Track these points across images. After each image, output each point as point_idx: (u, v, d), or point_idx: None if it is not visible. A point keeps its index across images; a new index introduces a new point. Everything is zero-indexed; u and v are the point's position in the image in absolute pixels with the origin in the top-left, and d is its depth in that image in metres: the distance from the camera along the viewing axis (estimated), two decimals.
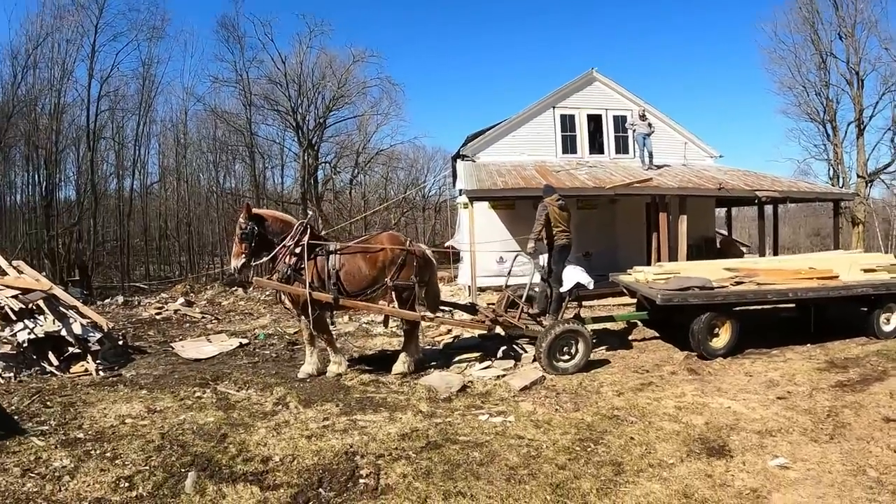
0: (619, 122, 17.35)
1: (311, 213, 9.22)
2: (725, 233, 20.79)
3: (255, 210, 7.58)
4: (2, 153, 25.79)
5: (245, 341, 10.13)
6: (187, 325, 12.20)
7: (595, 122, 17.52)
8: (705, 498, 3.98)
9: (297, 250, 7.33)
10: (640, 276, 9.73)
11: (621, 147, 17.53)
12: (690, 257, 12.95)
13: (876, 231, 26.52)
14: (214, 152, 31.94)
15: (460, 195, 16.68)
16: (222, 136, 31.31)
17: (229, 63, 30.24)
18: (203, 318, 13.27)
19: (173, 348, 9.45)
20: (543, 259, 8.54)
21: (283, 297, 7.82)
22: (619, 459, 4.71)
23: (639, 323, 10.27)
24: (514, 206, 15.11)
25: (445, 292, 14.16)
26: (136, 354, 9.08)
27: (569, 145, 17.45)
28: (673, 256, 12.99)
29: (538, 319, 8.36)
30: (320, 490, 4.31)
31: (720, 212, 21.28)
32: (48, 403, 6.50)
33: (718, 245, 17.65)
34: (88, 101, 26.85)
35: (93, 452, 4.99)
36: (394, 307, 7.75)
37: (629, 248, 15.51)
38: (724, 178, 15.15)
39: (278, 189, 33.62)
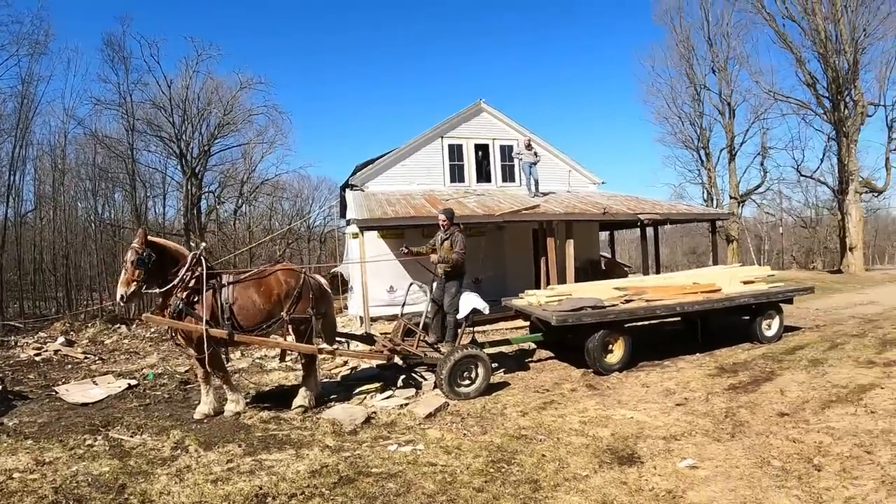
0: (506, 151, 17.87)
1: (202, 244, 8.34)
2: (609, 255, 21.82)
3: (150, 237, 7.02)
4: None
5: (134, 382, 9.27)
6: (69, 366, 11.09)
7: (482, 151, 17.94)
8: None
9: (192, 283, 6.88)
10: (532, 299, 9.87)
11: (508, 175, 18.03)
12: (578, 279, 13.37)
13: (748, 246, 28.93)
14: (94, 180, 29.56)
15: (348, 225, 16.42)
16: (102, 162, 29.16)
17: (113, 85, 28.40)
18: (86, 358, 12.12)
19: (57, 392, 8.51)
20: (427, 288, 8.47)
21: (175, 333, 7.23)
22: (534, 477, 4.66)
23: (533, 345, 10.40)
24: (404, 234, 15.00)
25: (338, 323, 13.81)
26: (17, 400, 8.16)
27: (457, 174, 17.71)
28: (562, 279, 13.37)
29: (435, 346, 8.25)
30: None
31: (603, 235, 22.34)
32: None
33: (603, 267, 18.45)
34: None
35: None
36: (290, 341, 7.45)
37: (518, 274, 15.87)
38: (608, 202, 15.90)
39: (160, 220, 31.79)
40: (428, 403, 7.15)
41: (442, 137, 17.55)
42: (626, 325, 8.82)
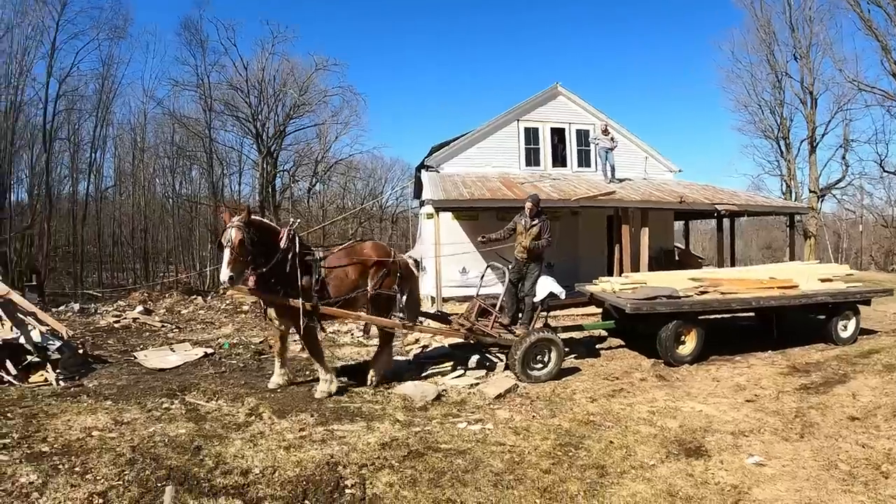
0: (582, 135, 17.73)
1: (296, 220, 8.46)
2: (683, 246, 21.38)
3: (253, 218, 6.88)
4: None
5: (210, 351, 9.78)
6: (147, 333, 11.80)
7: (558, 135, 17.86)
8: (689, 495, 4.12)
9: (289, 258, 6.84)
10: (606, 285, 9.93)
11: (584, 160, 17.90)
12: (651, 269, 13.27)
13: (826, 244, 27.63)
14: (172, 157, 31.24)
15: (423, 205, 16.73)
16: (180, 141, 30.70)
17: (190, 67, 29.74)
18: (163, 326, 12.85)
19: (136, 357, 9.09)
20: (506, 270, 8.56)
21: (265, 307, 7.17)
22: (601, 462, 4.81)
23: (604, 332, 10.43)
24: (478, 217, 15.21)
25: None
26: (97, 364, 8.65)
27: (532, 158, 17.72)
28: (635, 267, 13.29)
29: (510, 328, 8.41)
30: (306, 502, 4.21)
31: (678, 225, 21.88)
32: (8, 415, 6.15)
33: (677, 257, 18.13)
34: (46, 99, 25.89)
35: (61, 467, 4.71)
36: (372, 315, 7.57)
37: (591, 260, 15.81)
38: (685, 191, 15.60)
39: (235, 196, 32.83)
40: (498, 384, 7.34)
41: (518, 120, 17.58)
42: (700, 317, 8.74)
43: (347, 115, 33.18)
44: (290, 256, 6.81)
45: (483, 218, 15.01)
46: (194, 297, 18.51)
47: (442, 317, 9.11)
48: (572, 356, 8.96)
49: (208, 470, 4.73)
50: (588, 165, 17.80)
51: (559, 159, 17.85)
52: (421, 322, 8.72)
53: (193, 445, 5.25)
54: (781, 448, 4.98)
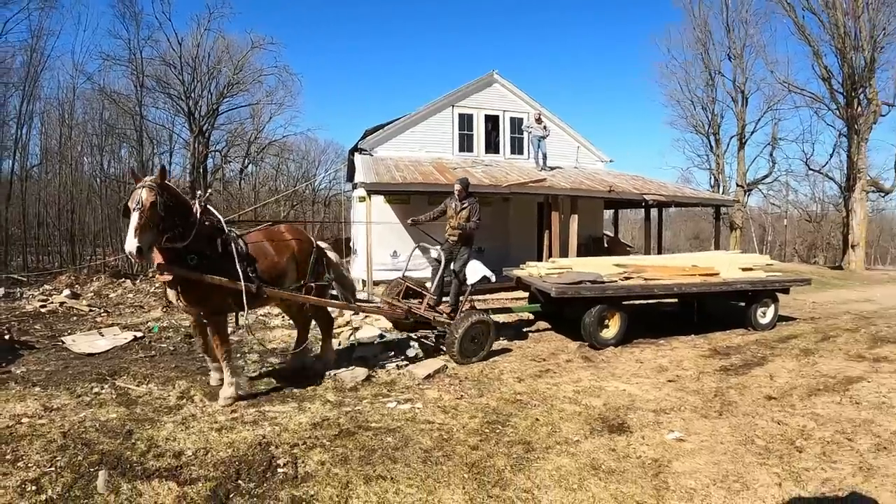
0: (516, 123, 17.89)
1: (205, 192, 7.48)
2: (612, 234, 21.95)
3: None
4: None
5: (139, 334, 9.39)
6: (75, 318, 11.19)
7: (492, 122, 17.97)
8: (612, 468, 4.21)
9: (207, 234, 5.83)
10: (533, 270, 10.03)
11: (517, 148, 18.07)
12: (580, 255, 13.56)
13: (752, 235, 29.04)
14: (101, 135, 29.58)
15: (355, 188, 16.53)
16: (110, 118, 29.11)
17: (123, 41, 28.15)
18: (91, 311, 12.25)
19: (64, 343, 8.61)
20: (436, 252, 8.49)
21: (179, 294, 5.82)
22: (527, 439, 4.87)
23: (531, 315, 10.61)
24: (410, 200, 15.16)
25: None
26: (24, 350, 8.24)
27: (466, 144, 17.76)
28: (564, 253, 13.54)
29: (436, 310, 8.33)
30: (239, 482, 4.17)
31: (608, 214, 22.46)
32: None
33: (606, 244, 18.62)
34: None
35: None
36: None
37: (521, 245, 15.99)
38: (615, 181, 16.00)
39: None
40: (427, 365, 7.33)
41: (453, 106, 17.56)
42: (624, 302, 8.97)
43: (282, 96, 32.63)
44: (213, 231, 5.84)
45: (415, 202, 14.94)
46: (123, 280, 17.71)
47: (370, 302, 9.00)
48: (502, 339, 9.01)
49: (141, 453, 4.63)
50: (521, 153, 17.99)
51: (492, 146, 17.96)
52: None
53: (125, 430, 5.12)
54: (701, 425, 5.15)
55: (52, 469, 4.32)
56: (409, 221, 8.65)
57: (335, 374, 6.91)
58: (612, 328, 8.77)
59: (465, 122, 17.68)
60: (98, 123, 29.38)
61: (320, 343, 7.63)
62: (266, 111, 32.80)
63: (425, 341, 8.43)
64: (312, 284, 6.80)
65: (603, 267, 9.86)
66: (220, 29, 31.41)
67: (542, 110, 17.43)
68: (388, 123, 17.69)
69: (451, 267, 8.39)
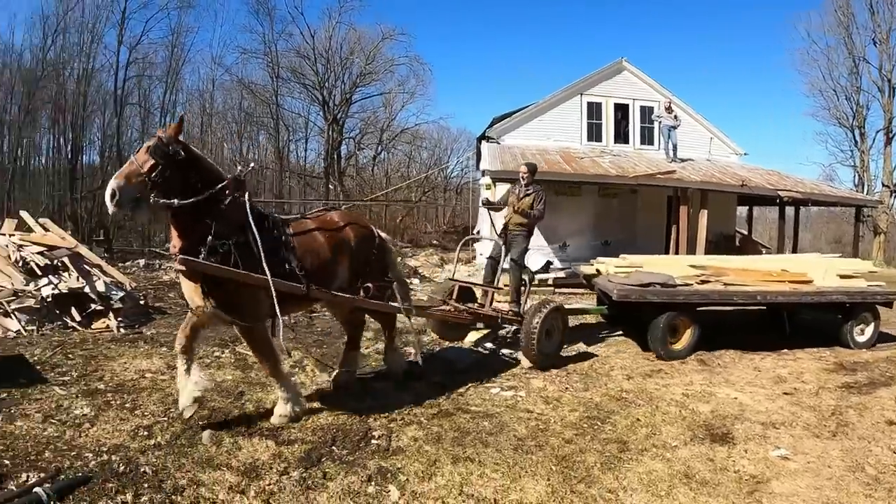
0: (646, 112, 17.34)
1: (248, 164, 5.80)
2: (746, 232, 20.72)
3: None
4: (29, 116, 26.17)
5: None
6: None
7: (622, 111, 17.52)
8: (706, 479, 4.11)
9: (234, 214, 4.57)
10: (602, 267, 9.31)
11: (646, 138, 17.52)
12: (709, 252, 12.95)
13: None
14: (239, 123, 32.20)
15: (483, 176, 16.79)
16: (248, 107, 31.52)
17: (258, 35, 30.54)
18: None
19: None
20: (490, 244, 7.93)
21: (202, 290, 4.52)
22: (624, 438, 4.86)
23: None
24: None
25: (464, 272, 14.28)
26: (157, 314, 9.24)
27: (594, 133, 17.48)
28: (691, 250, 13.05)
29: (496, 307, 7.53)
30: (333, 448, 4.46)
31: (742, 210, 21.22)
32: (70, 356, 6.65)
33: (738, 243, 17.62)
34: (117, 67, 27.17)
35: (113, 402, 5.16)
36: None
37: (649, 239, 15.55)
38: (748, 175, 15.09)
39: (301, 162, 33.97)
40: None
41: (581, 94, 17.32)
42: (699, 309, 8.01)
43: (414, 85, 33.18)
44: (233, 212, 4.55)
45: None
46: None
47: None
48: (618, 334, 8.90)
49: (247, 413, 5.10)
50: (650, 143, 17.44)
51: (621, 136, 17.53)
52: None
53: (237, 391, 5.67)
54: (810, 444, 4.85)
55: (165, 419, 4.82)
56: (481, 202, 8.33)
57: (446, 357, 7.22)
58: (684, 339, 7.83)
59: (594, 110, 17.38)
60: (237, 112, 31.96)
61: (384, 351, 6.60)
62: (398, 100, 33.50)
63: (483, 350, 7.94)
64: (369, 284, 5.60)
65: (678, 268, 8.87)
66: (350, 21, 32.43)
67: (673, 98, 16.75)
68: (515, 112, 17.80)
69: (510, 256, 7.76)
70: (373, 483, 3.95)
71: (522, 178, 7.94)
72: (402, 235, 32.46)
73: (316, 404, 5.38)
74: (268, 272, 4.48)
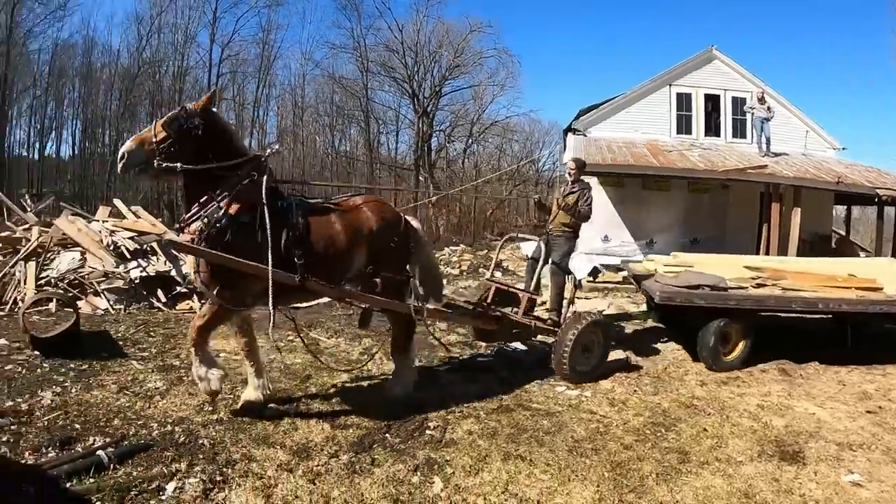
0: (738, 103, 16.49)
1: (275, 147, 5.94)
2: (843, 232, 19.37)
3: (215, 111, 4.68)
4: (127, 111, 28.06)
5: None
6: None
7: (712, 102, 16.74)
8: (767, 501, 3.93)
9: (247, 194, 4.50)
10: (650, 265, 8.59)
11: (738, 131, 16.67)
12: (803, 254, 12.18)
13: None
14: (331, 116, 33.29)
15: (545, 168, 16.59)
16: (339, 100, 32.51)
17: (346, 30, 31.75)
18: None
19: None
20: (531, 245, 7.28)
21: (198, 267, 4.55)
22: (686, 448, 4.70)
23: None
24: (623, 183, 14.95)
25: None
26: None
27: (683, 125, 16.83)
28: (783, 250, 12.34)
29: (535, 315, 7.01)
30: (387, 435, 4.64)
31: (840, 210, 19.90)
32: (151, 334, 7.21)
33: (834, 244, 16.50)
34: (210, 64, 29.29)
35: (184, 378, 5.53)
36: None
37: (740, 238, 14.74)
38: (845, 171, 14.07)
39: (392, 154, 35.07)
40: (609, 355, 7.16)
41: (670, 85, 16.70)
42: (755, 316, 7.27)
43: (503, 77, 33.63)
44: (246, 192, 4.50)
45: (628, 185, 14.85)
46: None
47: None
48: None
49: (310, 396, 5.38)
50: (742, 136, 16.56)
51: (712, 128, 16.76)
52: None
53: (304, 374, 5.96)
54: (888, 471, 4.48)
55: (231, 396, 5.11)
56: (532, 198, 7.96)
57: (514, 349, 7.32)
58: (737, 349, 7.14)
59: (683, 101, 16.71)
60: (328, 105, 33.19)
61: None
62: (488, 92, 33.84)
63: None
64: (383, 276, 5.17)
65: (732, 268, 8.12)
66: (438, 15, 33.34)
67: (766, 89, 15.83)
68: (602, 103, 17.42)
69: (551, 259, 7.21)
70: (418, 473, 4.04)
71: (569, 173, 7.54)
72: (493, 229, 32.74)
73: (378, 392, 5.60)
74: (270, 261, 4.35)
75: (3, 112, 26.31)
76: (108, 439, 4.20)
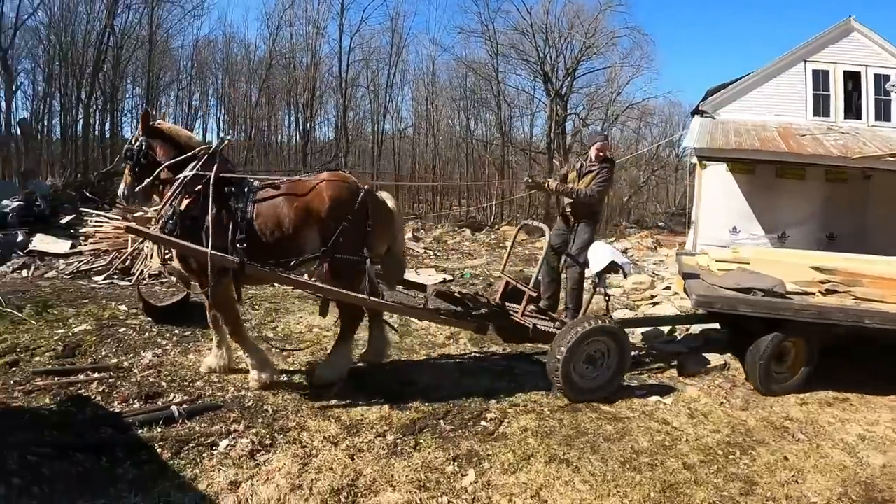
0: (881, 81, 14.54)
1: (225, 137, 6.82)
2: None
3: (157, 123, 5.26)
4: (266, 98, 30.03)
5: (450, 278, 10.83)
6: (408, 258, 12.99)
7: (853, 80, 14.85)
8: None
9: (197, 188, 4.87)
10: (703, 260, 7.42)
11: (882, 113, 14.69)
12: None
13: None
14: (465, 100, 33.61)
15: (685, 152, 15.65)
16: (472, 84, 32.80)
17: (474, 14, 32.09)
18: (424, 252, 14.31)
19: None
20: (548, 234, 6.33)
21: (168, 255, 5.16)
22: (755, 479, 4.23)
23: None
24: (755, 170, 13.76)
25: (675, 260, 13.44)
26: None
27: (821, 107, 15.13)
28: None
29: (551, 315, 6.41)
30: (441, 421, 4.70)
31: None
32: (256, 307, 7.71)
33: None
34: (340, 53, 30.35)
35: (272, 350, 5.91)
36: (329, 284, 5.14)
37: (883, 234, 13.09)
38: None
39: (526, 138, 35.27)
40: (701, 361, 6.69)
41: (805, 62, 15.01)
42: (818, 330, 5.82)
43: (638, 58, 32.85)
44: (195, 185, 4.89)
45: (760, 172, 13.67)
46: (463, 228, 20.03)
47: (448, 294, 6.51)
48: None
49: (382, 374, 5.63)
50: (888, 119, 14.59)
51: (853, 110, 14.91)
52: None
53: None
54: None
55: (307, 368, 5.60)
56: (525, 179, 6.84)
57: None
58: (793, 368, 5.96)
59: (820, 80, 14.99)
60: (461, 90, 33.89)
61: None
62: (624, 74, 33.08)
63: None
64: (335, 258, 5.04)
65: (797, 268, 6.63)
66: None
67: None
68: (731, 83, 16.06)
69: (568, 250, 6.47)
70: (455, 463, 4.07)
71: (594, 152, 6.59)
72: (629, 215, 31.71)
73: (454, 376, 5.72)
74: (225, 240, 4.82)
75: (151, 102, 29.03)
76: (186, 397, 4.77)
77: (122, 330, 6.35)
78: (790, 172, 13.87)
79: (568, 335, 5.23)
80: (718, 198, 13.31)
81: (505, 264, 7.14)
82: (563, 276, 6.72)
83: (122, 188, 5.32)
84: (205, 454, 3.90)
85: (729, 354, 6.87)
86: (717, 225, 13.08)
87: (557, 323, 6.02)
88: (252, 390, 5.05)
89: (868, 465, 4.59)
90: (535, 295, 6.09)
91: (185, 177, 4.88)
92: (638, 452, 4.43)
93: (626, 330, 5.80)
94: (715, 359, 6.70)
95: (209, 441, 4.06)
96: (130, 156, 5.10)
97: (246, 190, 4.97)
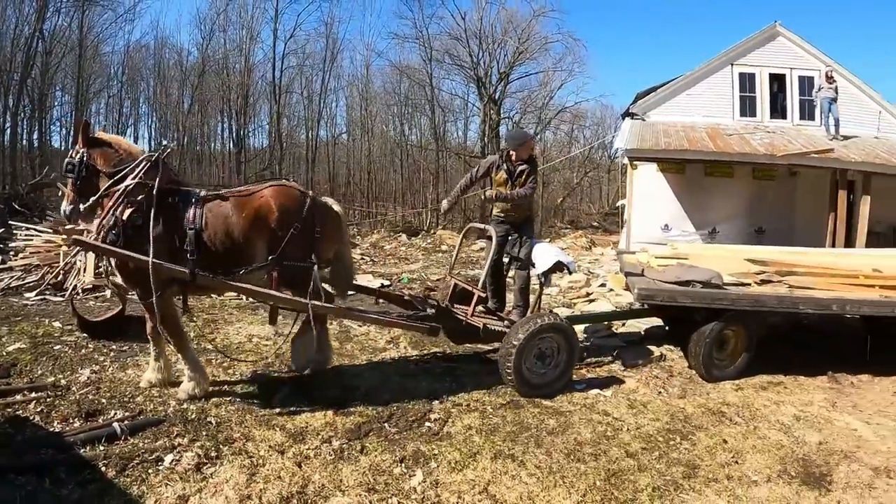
0: (805, 83, 15.28)
1: (168, 144, 6.57)
2: None
3: (97, 134, 5.03)
4: (199, 105, 29.22)
5: (387, 283, 10.60)
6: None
7: (778, 82, 15.60)
8: None
9: (139, 197, 4.68)
10: (643, 257, 7.51)
11: (806, 113, 15.41)
12: (871, 246, 11.14)
13: None
14: (398, 105, 33.52)
15: (617, 154, 15.99)
16: (406, 90, 32.79)
17: (409, 20, 32.02)
18: (361, 258, 14.12)
19: None
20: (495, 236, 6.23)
21: (108, 269, 5.25)
22: (696, 462, 4.25)
23: None
24: (685, 170, 14.20)
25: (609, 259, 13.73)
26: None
27: (748, 108, 15.80)
28: (849, 242, 11.36)
29: (500, 315, 6.35)
30: (385, 424, 4.60)
31: None
32: (194, 318, 7.21)
33: None
34: (274, 59, 29.89)
35: (213, 361, 5.70)
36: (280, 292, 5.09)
37: (809, 229, 13.62)
38: None
39: (460, 142, 35.46)
40: (639, 352, 6.80)
41: (732, 65, 15.67)
42: (757, 319, 6.16)
43: (570, 63, 33.16)
44: (137, 194, 4.69)
45: (690, 171, 14.12)
46: (399, 234, 19.90)
47: (396, 297, 6.59)
48: None
49: (323, 381, 5.42)
50: (811, 118, 15.27)
51: (778, 110, 15.63)
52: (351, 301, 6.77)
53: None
54: None
55: (249, 379, 5.43)
56: (483, 193, 6.54)
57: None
58: (733, 355, 6.19)
59: (746, 82, 15.66)
60: (395, 95, 33.94)
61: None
62: (556, 78, 33.37)
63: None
64: (283, 267, 4.96)
65: (732, 261, 6.93)
66: (500, 1, 33.07)
67: (836, 66, 14.63)
68: (661, 86, 16.62)
69: (513, 253, 6.36)
70: (402, 464, 4.01)
71: (516, 153, 6.30)
72: (564, 216, 32.15)
73: (394, 380, 5.60)
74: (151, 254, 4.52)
75: (80, 110, 27.75)
76: (127, 413, 4.59)
77: (57, 347, 6.03)
78: (719, 171, 14.37)
79: (520, 331, 5.25)
80: (650, 197, 13.66)
81: (452, 266, 6.93)
82: (509, 276, 6.66)
83: (64, 205, 4.94)
84: (150, 470, 3.77)
85: (666, 346, 7.02)
86: (649, 223, 13.40)
87: (507, 322, 5.96)
88: (183, 402, 4.85)
89: (805, 442, 4.69)
90: (483, 296, 6.04)
91: (128, 186, 4.66)
92: (581, 444, 4.42)
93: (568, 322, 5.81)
94: (652, 351, 6.82)
95: (154, 457, 3.93)
96: (72, 169, 4.77)
97: (193, 200, 4.82)
